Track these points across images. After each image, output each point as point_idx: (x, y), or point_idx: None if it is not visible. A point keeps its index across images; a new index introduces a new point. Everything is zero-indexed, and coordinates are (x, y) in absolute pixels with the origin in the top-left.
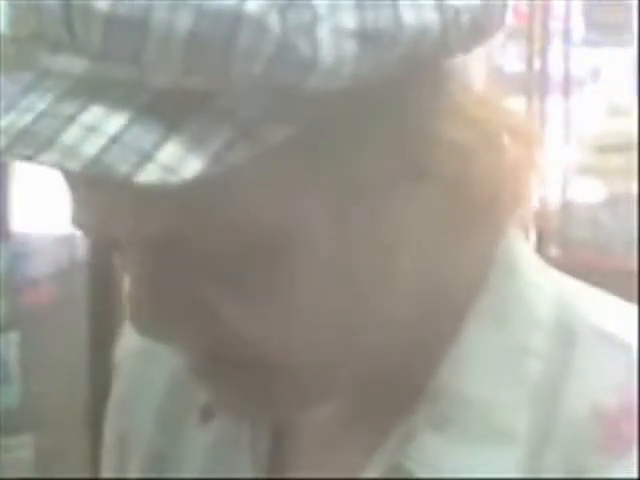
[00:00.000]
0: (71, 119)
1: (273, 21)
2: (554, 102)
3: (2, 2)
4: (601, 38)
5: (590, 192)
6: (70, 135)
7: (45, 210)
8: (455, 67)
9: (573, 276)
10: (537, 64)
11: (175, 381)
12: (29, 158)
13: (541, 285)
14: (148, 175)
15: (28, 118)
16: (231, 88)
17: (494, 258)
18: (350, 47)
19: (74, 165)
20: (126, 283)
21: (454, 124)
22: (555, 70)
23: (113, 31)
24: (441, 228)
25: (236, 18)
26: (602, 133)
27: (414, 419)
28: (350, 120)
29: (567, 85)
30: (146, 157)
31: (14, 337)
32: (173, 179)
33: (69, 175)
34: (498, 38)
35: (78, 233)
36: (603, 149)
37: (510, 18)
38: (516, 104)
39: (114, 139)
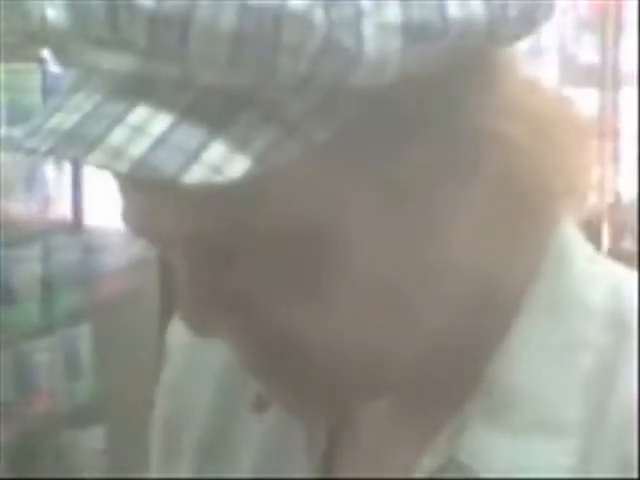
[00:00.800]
0: (118, 120)
1: (318, 17)
2: (628, 94)
3: (2, 3)
4: None
5: None
6: (117, 136)
7: (117, 204)
8: (502, 58)
9: None
10: (610, 55)
11: (227, 370)
12: (77, 159)
13: (593, 274)
14: (194, 175)
15: (75, 118)
16: (276, 85)
17: (547, 249)
18: (395, 42)
19: (121, 167)
20: (175, 282)
21: (503, 117)
22: (628, 61)
23: (157, 28)
24: (492, 222)
25: (281, 14)
26: None
27: (466, 412)
28: (397, 117)
29: None
30: (192, 157)
31: (86, 330)
32: (219, 179)
33: (117, 174)
34: (571, 29)
35: None
36: None
37: (584, 8)
38: (589, 96)
39: (160, 140)
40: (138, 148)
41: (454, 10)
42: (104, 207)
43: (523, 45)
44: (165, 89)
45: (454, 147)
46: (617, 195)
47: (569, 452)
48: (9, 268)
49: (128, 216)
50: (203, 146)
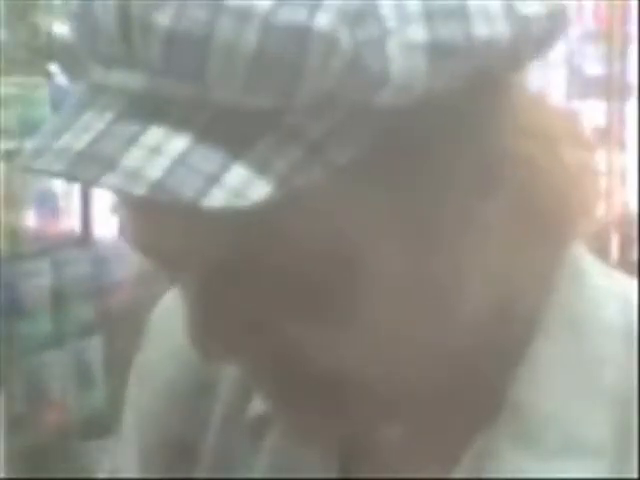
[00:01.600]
0: (133, 140)
1: (343, 36)
2: (634, 105)
3: (2, 5)
4: None
5: None
6: (132, 157)
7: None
8: (516, 76)
9: None
10: (617, 67)
11: (199, 372)
12: (91, 182)
13: (607, 288)
14: (215, 199)
15: (87, 138)
16: (299, 106)
17: (562, 263)
18: (420, 61)
19: (139, 189)
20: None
21: (517, 135)
22: (634, 73)
23: (174, 46)
24: (508, 239)
25: (306, 33)
26: None
27: (491, 434)
28: (421, 138)
29: None
30: (212, 180)
31: (97, 341)
32: (241, 203)
33: (127, 196)
34: (578, 41)
35: None
36: None
37: (590, 21)
38: (596, 107)
39: (178, 162)
40: (155, 170)
41: (479, 29)
42: (113, 219)
43: None
44: (180, 109)
45: (475, 167)
46: (625, 206)
47: (602, 472)
48: (20, 281)
49: (133, 235)
50: (223, 168)
